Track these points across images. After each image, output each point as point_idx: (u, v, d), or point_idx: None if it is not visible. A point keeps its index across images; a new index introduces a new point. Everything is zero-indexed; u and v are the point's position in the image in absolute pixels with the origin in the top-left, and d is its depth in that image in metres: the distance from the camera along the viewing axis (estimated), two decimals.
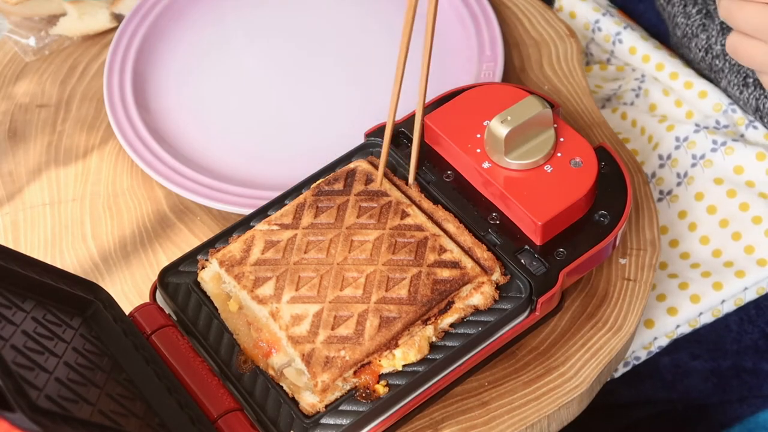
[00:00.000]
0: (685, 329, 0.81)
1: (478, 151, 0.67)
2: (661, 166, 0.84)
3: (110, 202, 0.79)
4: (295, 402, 0.60)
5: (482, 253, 0.64)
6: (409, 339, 0.61)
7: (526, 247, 0.65)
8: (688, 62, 0.88)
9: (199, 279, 0.66)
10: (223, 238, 0.68)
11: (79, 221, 0.78)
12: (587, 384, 0.65)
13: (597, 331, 0.68)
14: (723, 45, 0.83)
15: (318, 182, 0.69)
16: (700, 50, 0.85)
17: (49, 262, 0.60)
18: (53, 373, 0.50)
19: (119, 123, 0.81)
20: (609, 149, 0.68)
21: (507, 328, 0.63)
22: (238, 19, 0.90)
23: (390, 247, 0.64)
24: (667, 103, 0.87)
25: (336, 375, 0.59)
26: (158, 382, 0.58)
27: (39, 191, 0.80)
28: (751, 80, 0.81)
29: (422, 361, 0.61)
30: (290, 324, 0.61)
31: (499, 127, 0.64)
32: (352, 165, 0.69)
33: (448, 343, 0.61)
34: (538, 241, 0.64)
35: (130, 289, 0.73)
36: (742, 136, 0.83)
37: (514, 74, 0.84)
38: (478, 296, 0.62)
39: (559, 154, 0.66)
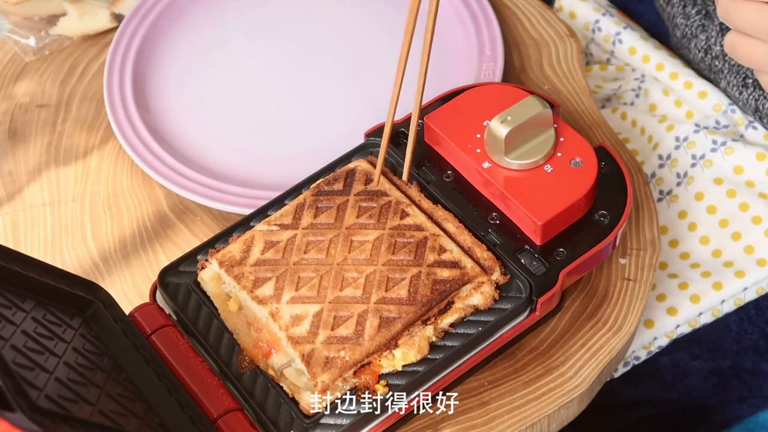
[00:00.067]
0: (685, 329, 0.81)
1: (478, 151, 0.67)
2: (661, 166, 0.84)
3: (110, 202, 0.79)
4: (295, 402, 0.60)
5: (482, 252, 0.64)
6: (409, 339, 0.61)
7: (526, 247, 0.65)
8: (688, 62, 0.88)
9: (199, 279, 0.66)
10: (223, 238, 0.68)
11: (79, 221, 0.78)
12: (587, 384, 0.65)
13: (597, 331, 0.68)
14: (722, 46, 0.83)
15: (318, 182, 0.69)
16: (699, 51, 0.85)
17: (49, 262, 0.60)
18: (53, 373, 0.50)
19: (119, 123, 0.81)
20: (609, 149, 0.68)
21: (507, 328, 0.63)
22: (238, 19, 0.90)
23: (390, 247, 0.64)
24: (667, 103, 0.87)
25: (336, 375, 0.59)
26: (158, 382, 0.58)
27: (39, 191, 0.80)
28: (750, 81, 0.81)
29: (422, 361, 0.61)
30: (290, 324, 0.61)
31: (499, 127, 0.64)
32: (351, 165, 0.69)
33: (448, 343, 0.61)
34: (538, 241, 0.64)
35: (130, 289, 0.73)
36: (741, 136, 0.83)
37: (514, 74, 0.84)
38: (477, 296, 0.62)
39: (559, 154, 0.66)
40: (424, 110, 0.71)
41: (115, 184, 0.80)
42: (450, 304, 0.62)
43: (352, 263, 0.63)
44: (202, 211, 0.78)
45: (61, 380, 0.50)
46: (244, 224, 0.68)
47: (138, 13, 0.89)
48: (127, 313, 0.63)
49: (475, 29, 0.85)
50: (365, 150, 0.71)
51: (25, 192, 0.80)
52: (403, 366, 0.60)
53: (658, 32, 0.93)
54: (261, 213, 0.69)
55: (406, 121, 0.71)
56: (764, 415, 0.83)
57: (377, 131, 0.71)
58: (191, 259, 0.67)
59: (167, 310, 0.65)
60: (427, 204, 0.67)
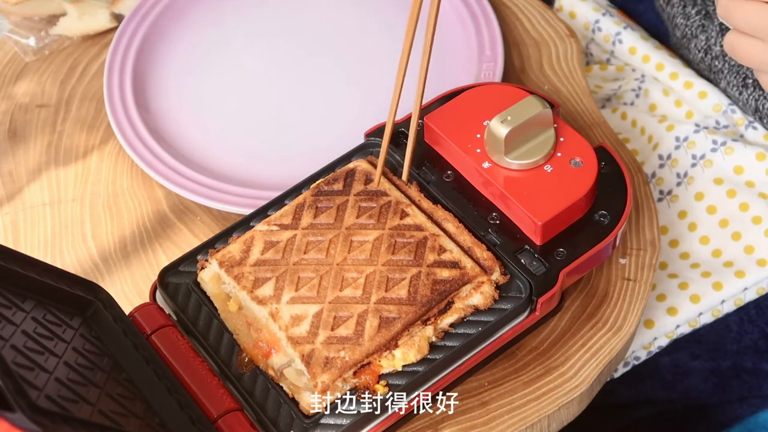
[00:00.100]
0: (685, 329, 0.81)
1: (478, 151, 0.67)
2: (661, 166, 0.84)
3: (110, 202, 0.79)
4: (295, 402, 0.60)
5: (482, 252, 0.64)
6: (409, 339, 0.61)
7: (526, 247, 0.65)
8: (688, 62, 0.88)
9: (198, 279, 0.66)
10: (223, 238, 0.68)
11: (79, 221, 0.78)
12: (587, 384, 0.65)
13: (597, 331, 0.68)
14: (722, 46, 0.83)
15: (318, 182, 0.69)
16: (699, 51, 0.85)
17: (49, 262, 0.60)
18: (53, 373, 0.50)
19: (119, 123, 0.81)
20: (609, 149, 0.68)
21: (507, 328, 0.63)
22: (238, 19, 0.90)
23: (389, 247, 0.64)
24: (667, 103, 0.87)
25: (336, 375, 0.59)
26: (158, 382, 0.58)
27: (39, 191, 0.80)
28: (750, 81, 0.81)
29: (422, 362, 0.61)
30: (290, 324, 0.61)
31: (499, 127, 0.64)
32: (351, 165, 0.69)
33: (448, 343, 0.61)
34: (538, 241, 0.64)
35: (130, 289, 0.73)
36: (741, 136, 0.83)
37: (514, 74, 0.84)
38: (477, 296, 0.62)
39: (559, 154, 0.66)
40: (424, 110, 0.71)
41: (115, 184, 0.80)
42: (450, 304, 0.62)
43: (351, 263, 0.63)
44: (202, 211, 0.78)
45: (61, 380, 0.50)
46: (244, 224, 0.68)
47: (138, 13, 0.89)
48: (127, 313, 0.63)
49: (475, 29, 0.85)
50: (365, 150, 0.71)
51: (25, 192, 0.80)
52: (403, 366, 0.60)
53: (658, 32, 0.93)
54: (261, 213, 0.69)
55: (406, 121, 0.71)
56: (764, 415, 0.83)
57: (377, 131, 0.71)
58: (191, 259, 0.67)
59: (167, 310, 0.65)
60: (427, 204, 0.67)
